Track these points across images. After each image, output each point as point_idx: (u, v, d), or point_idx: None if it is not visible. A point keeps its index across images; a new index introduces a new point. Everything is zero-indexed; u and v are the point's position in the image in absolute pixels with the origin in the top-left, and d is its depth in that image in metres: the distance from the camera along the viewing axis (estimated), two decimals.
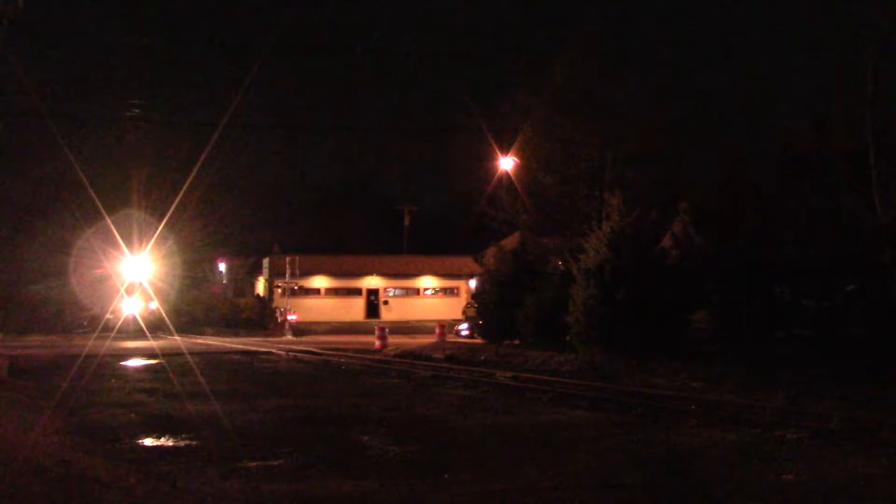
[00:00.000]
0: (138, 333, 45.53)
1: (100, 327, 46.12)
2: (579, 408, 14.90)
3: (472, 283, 50.66)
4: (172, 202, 44.41)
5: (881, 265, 20.59)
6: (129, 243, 47.69)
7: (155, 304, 50.70)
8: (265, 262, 55.27)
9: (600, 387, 17.39)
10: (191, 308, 52.24)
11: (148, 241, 47.84)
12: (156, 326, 47.54)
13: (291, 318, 47.33)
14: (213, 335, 45.45)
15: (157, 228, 46.68)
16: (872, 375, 16.10)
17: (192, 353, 29.04)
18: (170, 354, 28.80)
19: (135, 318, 48.84)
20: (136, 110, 38.90)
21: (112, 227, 45.60)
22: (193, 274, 55.09)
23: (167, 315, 47.09)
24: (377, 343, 32.27)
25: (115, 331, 47.23)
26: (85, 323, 51.69)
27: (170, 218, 45.41)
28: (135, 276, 50.19)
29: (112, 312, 49.51)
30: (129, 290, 50.66)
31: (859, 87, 21.54)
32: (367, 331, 40.53)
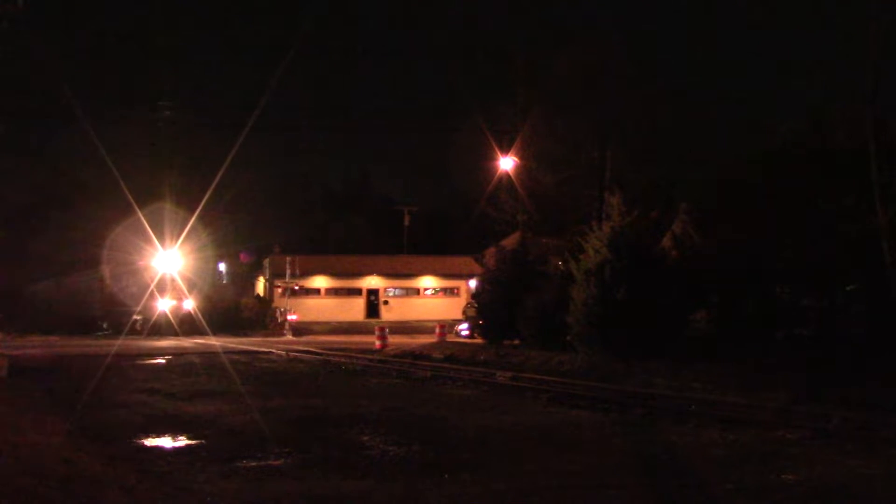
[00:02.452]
0: (165, 334, 42.99)
1: (126, 329, 43.64)
2: (579, 408, 14.90)
3: (472, 283, 50.66)
4: (199, 200, 43.77)
5: (881, 265, 20.57)
6: (160, 238, 45.67)
7: (190, 303, 47.52)
8: (265, 262, 55.29)
9: (600, 387, 17.38)
10: (225, 307, 49.79)
11: (178, 237, 45.75)
12: (190, 327, 44.98)
13: (291, 318, 47.33)
14: (235, 335, 44.29)
15: (185, 225, 45.18)
16: (872, 375, 16.09)
17: (193, 353, 29.07)
18: (173, 354, 28.83)
19: (166, 318, 45.77)
20: (167, 112, 38.78)
21: (138, 221, 44.19)
22: (214, 272, 53.65)
23: (201, 314, 45.05)
24: (377, 343, 32.27)
25: (142, 332, 44.50)
26: (104, 325, 48.96)
27: (199, 215, 44.46)
28: (166, 273, 46.96)
29: (140, 312, 46.48)
30: (161, 287, 47.03)
31: (859, 87, 21.54)
32: (367, 331, 40.53)
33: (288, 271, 48.94)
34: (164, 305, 46.83)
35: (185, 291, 47.74)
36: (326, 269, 53.84)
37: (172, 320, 45.31)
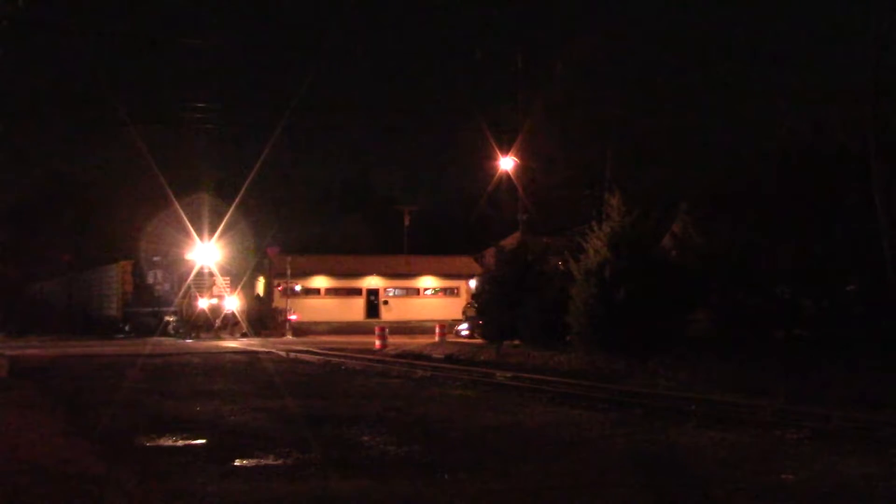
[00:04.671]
0: (204, 336, 39.11)
1: (158, 331, 40.31)
2: (579, 408, 14.89)
3: (472, 283, 50.62)
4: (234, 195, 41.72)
5: (881, 265, 20.58)
6: (197, 232, 41.58)
7: (234, 302, 42.52)
8: (265, 261, 55.17)
9: (600, 387, 17.38)
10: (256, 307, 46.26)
11: (215, 231, 41.71)
12: (234, 328, 41.29)
13: (292, 318, 47.27)
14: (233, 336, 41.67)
15: (222, 218, 41.91)
16: (872, 375, 16.09)
17: (192, 353, 29.06)
18: (172, 354, 28.82)
19: (206, 317, 41.03)
20: (200, 114, 38.45)
21: (171, 214, 41.20)
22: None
23: (245, 314, 41.49)
24: (377, 343, 32.27)
25: (177, 334, 40.61)
26: (126, 327, 45.28)
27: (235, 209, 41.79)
28: (204, 268, 41.76)
29: (174, 313, 41.84)
30: (199, 285, 41.63)
31: (859, 87, 21.54)
32: (367, 331, 40.48)
33: (288, 271, 48.88)
34: (202, 304, 41.68)
35: (227, 288, 42.73)
36: (326, 269, 53.79)
37: (212, 320, 41.19)
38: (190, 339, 38.96)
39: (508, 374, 20.28)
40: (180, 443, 11.34)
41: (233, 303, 42.66)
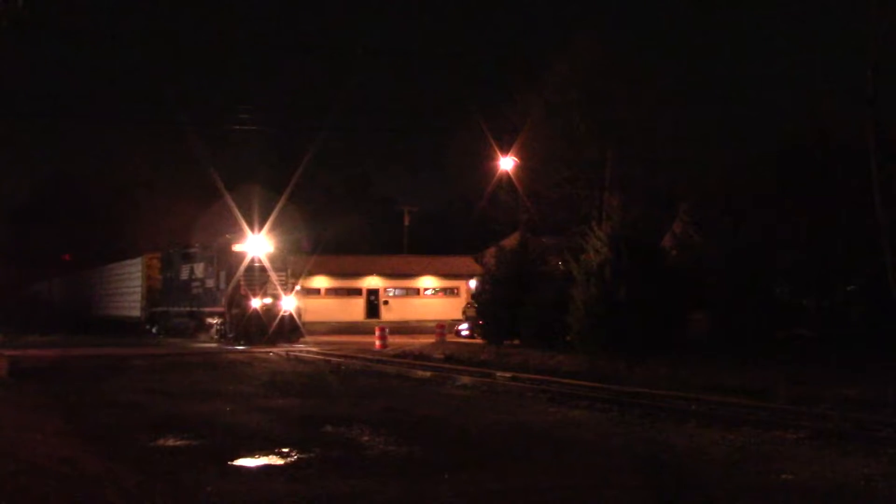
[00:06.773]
0: (255, 341, 33.73)
1: (202, 331, 36.16)
2: (579, 408, 14.89)
3: (472, 283, 50.55)
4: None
5: (881, 265, 20.59)
6: (247, 222, 36.21)
7: (292, 302, 36.10)
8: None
9: (600, 387, 17.38)
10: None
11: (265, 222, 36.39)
12: (291, 333, 35.59)
13: None
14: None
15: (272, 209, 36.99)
16: (872, 375, 16.10)
17: (191, 354, 29.07)
18: (172, 354, 28.83)
19: (258, 320, 34.67)
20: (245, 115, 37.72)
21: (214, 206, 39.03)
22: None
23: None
24: (377, 343, 32.25)
25: (224, 338, 35.45)
26: (154, 329, 41.05)
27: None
28: (254, 263, 35.42)
29: (220, 314, 36.05)
30: (250, 283, 35.22)
31: (859, 87, 21.55)
32: (367, 331, 40.44)
33: (289, 271, 48.77)
34: (254, 305, 35.20)
35: (284, 287, 36.60)
36: (326, 269, 53.73)
37: (266, 324, 35.13)
38: (240, 345, 33.63)
39: (508, 375, 20.28)
40: (180, 443, 11.33)
41: (290, 304, 36.19)
